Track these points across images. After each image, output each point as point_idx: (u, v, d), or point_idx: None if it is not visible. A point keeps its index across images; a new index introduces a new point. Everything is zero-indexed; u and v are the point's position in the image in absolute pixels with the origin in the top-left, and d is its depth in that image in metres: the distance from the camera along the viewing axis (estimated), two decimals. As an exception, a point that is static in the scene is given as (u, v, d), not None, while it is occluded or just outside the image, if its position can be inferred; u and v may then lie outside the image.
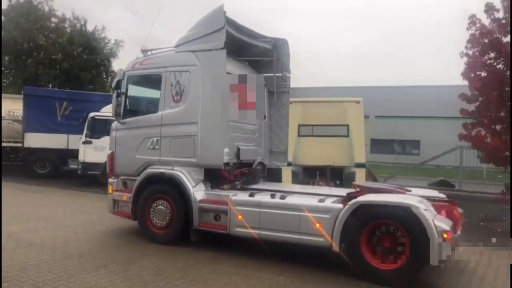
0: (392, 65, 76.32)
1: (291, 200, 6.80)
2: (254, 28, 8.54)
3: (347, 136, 12.38)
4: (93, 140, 15.16)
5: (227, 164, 7.69)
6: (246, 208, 6.91)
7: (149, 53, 8.48)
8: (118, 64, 35.72)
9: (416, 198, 6.16)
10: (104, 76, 35.10)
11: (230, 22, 7.71)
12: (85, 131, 15.20)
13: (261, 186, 8.24)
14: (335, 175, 12.50)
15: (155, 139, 7.96)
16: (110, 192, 8.57)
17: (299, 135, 12.61)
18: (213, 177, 7.75)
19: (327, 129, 12.57)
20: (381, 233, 5.95)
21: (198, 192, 7.46)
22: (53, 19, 33.43)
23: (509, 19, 10.55)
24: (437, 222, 5.55)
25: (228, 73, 7.57)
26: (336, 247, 6.10)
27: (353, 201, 6.16)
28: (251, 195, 7.16)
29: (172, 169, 7.70)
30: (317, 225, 6.24)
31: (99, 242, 7.69)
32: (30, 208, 9.94)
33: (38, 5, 32.98)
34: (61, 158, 17.29)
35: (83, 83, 30.93)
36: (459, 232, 6.35)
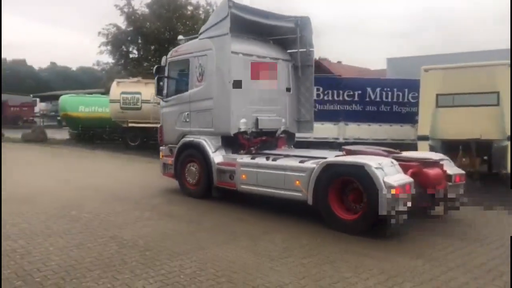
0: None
1: (279, 162, 7.97)
2: None
3: (497, 105, 10.82)
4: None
5: (245, 132, 9.16)
6: (248, 168, 8.31)
7: (182, 42, 10.38)
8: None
9: (378, 158, 6.82)
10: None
11: (246, 9, 9.11)
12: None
13: (274, 151, 9.13)
14: (482, 149, 11.09)
15: (186, 113, 9.77)
16: (161, 157, 10.71)
17: (437, 106, 11.42)
18: (234, 143, 9.20)
19: (472, 97, 11.13)
20: (349, 189, 6.89)
21: (217, 156, 9.05)
22: (189, 7, 35.51)
23: None
24: (387, 179, 6.22)
25: (247, 54, 9.21)
26: (310, 201, 7.18)
27: (322, 161, 7.18)
28: (253, 158, 8.49)
29: (199, 138, 9.38)
30: (297, 182, 7.39)
31: (232, 216, 7.92)
32: (171, 183, 10.73)
33: (177, -6, 35.25)
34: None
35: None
36: (438, 190, 7.01)
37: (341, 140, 14.64)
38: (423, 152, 8.84)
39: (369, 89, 15.31)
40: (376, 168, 6.36)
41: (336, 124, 15.08)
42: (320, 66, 40.49)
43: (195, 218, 7.73)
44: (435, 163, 7.35)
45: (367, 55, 76.46)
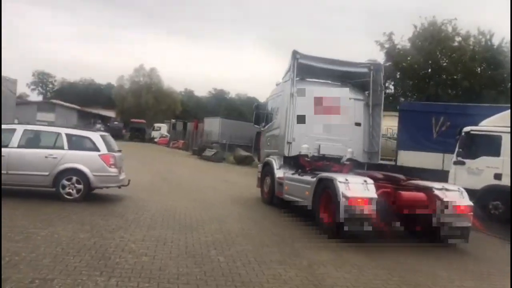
0: None
1: (303, 177, 9.89)
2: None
3: None
4: (467, 161, 12.00)
5: (305, 155, 10.91)
6: (288, 181, 10.45)
7: (276, 85, 12.58)
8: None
9: (349, 175, 8.66)
10: (513, 92, 30.07)
11: (314, 58, 11.20)
12: (456, 149, 12.24)
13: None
14: None
15: (268, 138, 12.50)
16: (258, 172, 13.00)
17: None
18: (297, 164, 10.94)
19: None
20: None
21: (279, 172, 11.06)
22: (457, 38, 31.55)
23: None
24: (347, 191, 7.56)
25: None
26: (310, 206, 8.89)
27: (318, 175, 8.90)
28: (293, 173, 10.58)
29: (272, 158, 11.66)
30: (306, 192, 9.07)
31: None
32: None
33: (442, 26, 31.89)
34: (436, 180, 14.82)
35: (485, 101, 27.43)
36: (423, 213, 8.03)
37: None
38: (438, 183, 8.87)
39: None
40: (340, 182, 7.75)
41: None
42: None
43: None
44: (421, 188, 8.40)
45: None
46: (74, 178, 9.64)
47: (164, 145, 47.46)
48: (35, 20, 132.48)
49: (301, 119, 10.87)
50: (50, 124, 39.78)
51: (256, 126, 13.41)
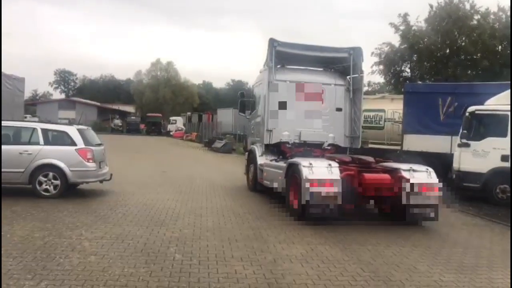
0: None
1: (278, 163, 10.13)
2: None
3: None
4: (472, 143, 11.16)
5: (286, 142, 11.03)
6: (266, 168, 10.59)
7: (259, 72, 12.21)
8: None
9: (314, 159, 8.53)
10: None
11: (292, 45, 11.31)
12: (461, 131, 11.41)
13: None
14: None
15: (253, 126, 12.67)
16: (245, 159, 13.13)
17: None
18: (279, 151, 11.09)
19: None
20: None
21: (261, 159, 11.14)
22: (475, 16, 30.07)
23: None
24: (309, 175, 7.70)
25: (295, 81, 11.28)
26: (280, 190, 9.30)
27: (288, 161, 9.11)
28: (271, 160, 10.72)
29: (254, 145, 11.87)
30: (280, 177, 9.23)
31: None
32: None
33: (459, 4, 30.44)
34: (444, 164, 13.94)
35: (505, 81, 26.09)
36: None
37: None
38: (406, 164, 8.60)
39: None
40: (304, 166, 7.91)
41: None
42: None
43: None
44: (388, 170, 8.44)
45: None
46: (51, 174, 9.34)
47: (180, 138, 47.37)
48: (55, 20, 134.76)
49: (282, 106, 10.95)
50: (71, 121, 40.46)
51: (241, 114, 13.36)
